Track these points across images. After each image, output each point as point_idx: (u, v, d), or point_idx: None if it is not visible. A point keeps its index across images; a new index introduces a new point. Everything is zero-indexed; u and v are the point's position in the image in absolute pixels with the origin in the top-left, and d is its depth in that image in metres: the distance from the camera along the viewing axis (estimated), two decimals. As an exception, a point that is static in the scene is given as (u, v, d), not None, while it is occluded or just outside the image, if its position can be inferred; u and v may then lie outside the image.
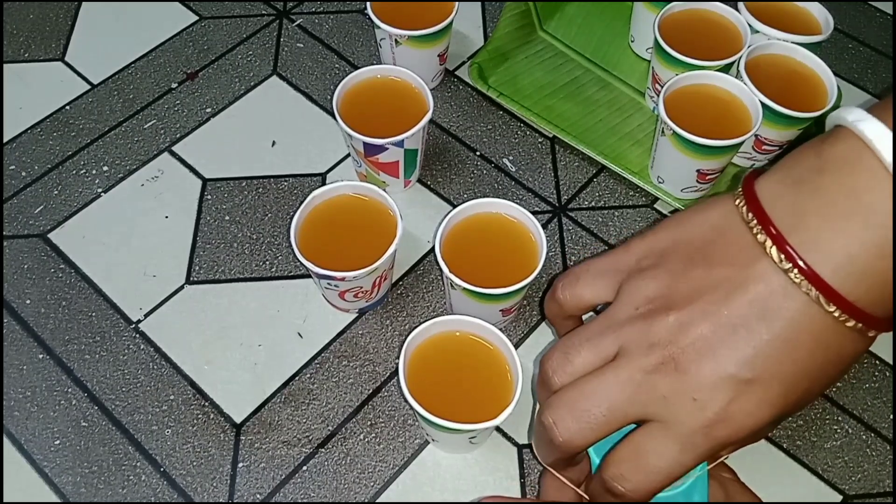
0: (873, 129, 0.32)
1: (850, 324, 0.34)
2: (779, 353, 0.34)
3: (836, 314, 0.33)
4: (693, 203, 0.52)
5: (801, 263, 0.33)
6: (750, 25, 0.56)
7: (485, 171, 0.59)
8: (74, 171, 0.58)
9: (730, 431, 0.35)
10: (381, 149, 0.52)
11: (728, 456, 0.42)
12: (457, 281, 0.46)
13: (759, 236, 0.35)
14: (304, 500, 0.46)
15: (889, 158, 0.32)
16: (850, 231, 0.33)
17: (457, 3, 0.58)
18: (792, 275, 0.33)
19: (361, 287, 0.48)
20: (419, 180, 0.58)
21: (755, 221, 0.35)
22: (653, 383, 0.35)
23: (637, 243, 0.40)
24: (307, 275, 0.53)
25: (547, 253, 0.47)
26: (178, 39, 0.65)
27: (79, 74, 0.63)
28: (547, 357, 0.39)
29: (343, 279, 0.46)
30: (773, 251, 0.34)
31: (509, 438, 0.48)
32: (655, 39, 0.56)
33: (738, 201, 0.36)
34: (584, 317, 0.44)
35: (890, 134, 0.32)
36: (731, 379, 0.34)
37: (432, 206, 0.57)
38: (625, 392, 0.36)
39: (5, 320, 0.51)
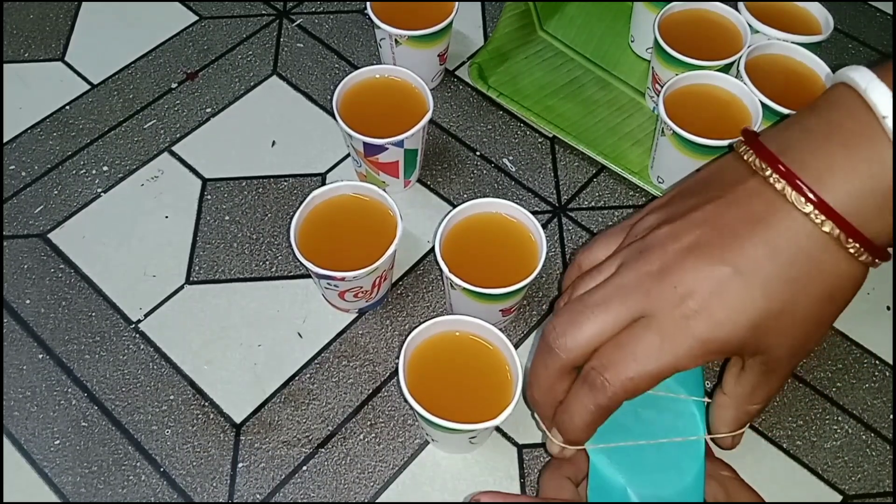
0: (861, 74, 0.36)
1: (827, 228, 0.35)
2: (762, 252, 0.36)
3: (812, 215, 0.35)
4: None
5: (780, 167, 0.36)
6: (750, 25, 0.56)
7: (485, 171, 0.59)
8: (74, 171, 0.58)
9: (708, 326, 0.36)
10: (381, 149, 0.52)
11: (735, 434, 0.42)
12: (457, 281, 0.46)
13: (746, 156, 0.38)
14: (304, 500, 0.46)
15: (864, 85, 0.35)
16: (828, 152, 0.36)
17: (457, 3, 0.58)
18: (772, 180, 0.36)
19: (361, 287, 0.48)
20: (419, 180, 0.58)
21: (745, 147, 0.38)
22: (640, 280, 0.37)
23: (646, 206, 0.43)
24: (307, 275, 0.53)
25: (547, 253, 0.47)
26: (178, 39, 0.65)
27: (79, 74, 0.63)
28: (559, 300, 0.42)
29: (343, 279, 0.46)
30: (757, 162, 0.37)
31: (509, 438, 0.48)
32: (655, 39, 0.56)
33: (734, 144, 0.40)
34: None
35: (873, 75, 0.35)
36: (712, 271, 0.36)
37: (432, 206, 0.57)
38: (615, 292, 0.38)
39: (5, 320, 0.51)
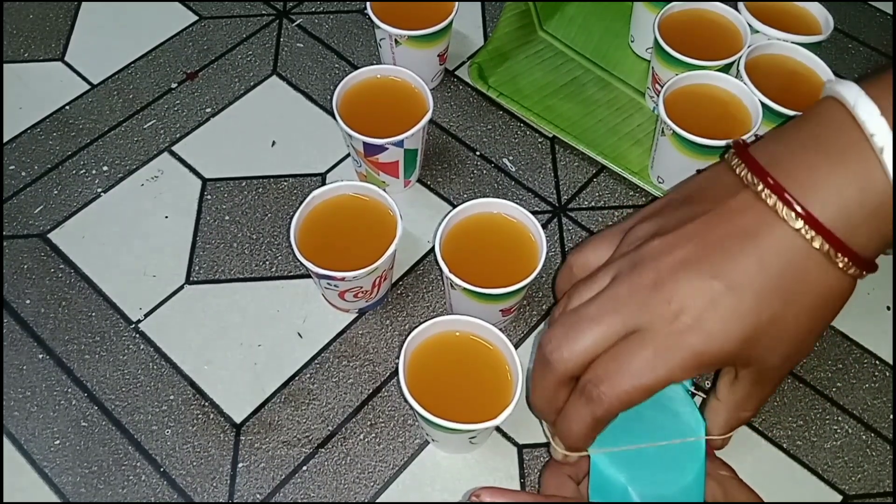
0: (849, 90, 0.36)
1: (817, 244, 0.36)
2: (752, 267, 0.37)
3: (802, 230, 0.36)
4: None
5: (769, 180, 0.37)
6: (750, 25, 0.56)
7: (485, 171, 0.59)
8: (74, 171, 0.58)
9: (701, 339, 0.37)
10: (381, 149, 0.52)
11: (730, 437, 0.42)
12: (457, 281, 0.46)
13: (737, 169, 0.39)
14: (304, 500, 0.46)
15: (852, 101, 0.36)
16: (816, 167, 0.36)
17: (457, 3, 0.58)
18: (764, 195, 0.37)
19: (361, 287, 0.48)
20: (419, 180, 0.58)
21: (737, 160, 0.39)
22: (634, 293, 0.38)
23: (638, 211, 0.44)
24: (307, 275, 0.53)
25: (547, 253, 0.47)
26: (178, 39, 0.65)
27: (79, 74, 0.63)
28: (555, 308, 0.42)
29: (343, 279, 0.46)
30: (749, 177, 0.38)
31: (509, 438, 0.48)
32: (655, 39, 0.56)
33: (726, 155, 0.41)
34: None
35: (861, 91, 0.36)
36: (705, 286, 0.37)
37: (432, 206, 0.57)
38: (609, 305, 0.38)
39: (5, 320, 0.51)
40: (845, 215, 0.36)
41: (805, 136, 0.38)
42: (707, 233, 0.38)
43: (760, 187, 0.37)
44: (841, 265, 0.36)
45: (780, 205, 0.36)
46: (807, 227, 0.36)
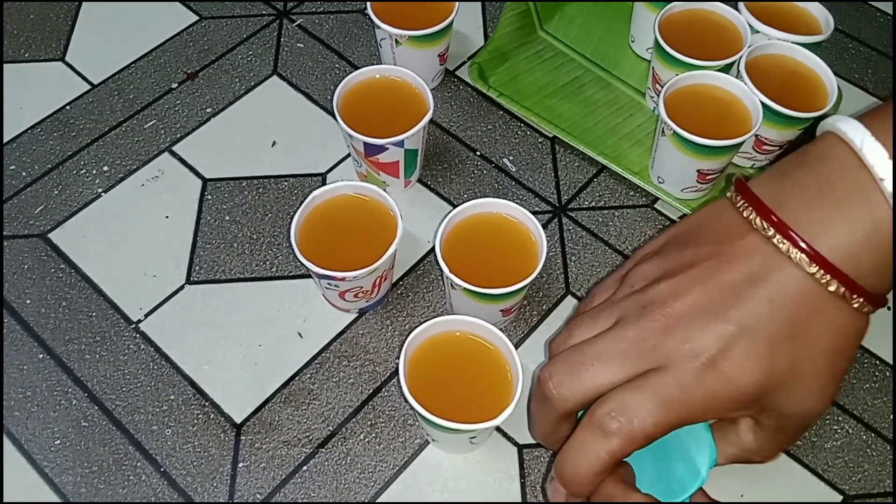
0: (854, 129, 0.36)
1: (832, 288, 0.35)
2: (765, 311, 0.36)
3: (817, 274, 0.35)
4: (694, 203, 0.56)
5: (781, 226, 0.36)
6: (750, 25, 0.56)
7: (485, 171, 0.59)
8: (74, 171, 0.58)
9: (719, 382, 0.36)
10: (382, 149, 0.52)
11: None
12: (457, 281, 0.46)
13: (744, 212, 0.38)
14: (304, 500, 0.46)
15: (859, 143, 0.35)
16: (823, 210, 0.36)
17: (457, 3, 0.58)
18: (776, 241, 0.36)
19: (361, 287, 0.48)
20: (419, 180, 0.58)
21: (742, 201, 0.38)
22: (644, 337, 0.37)
23: (638, 250, 0.43)
24: (307, 275, 0.53)
25: (547, 253, 0.47)
26: (178, 39, 0.65)
27: (79, 74, 0.63)
28: (553, 339, 0.41)
29: (343, 279, 0.46)
30: (758, 221, 0.37)
31: (509, 438, 0.48)
32: (655, 39, 0.56)
33: (728, 193, 0.40)
34: None
35: (866, 131, 0.35)
36: (718, 329, 0.36)
37: (432, 206, 0.57)
38: (617, 347, 0.38)
39: (5, 320, 0.51)
40: (854, 260, 0.35)
41: (809, 176, 0.37)
42: (715, 276, 0.37)
43: (771, 232, 0.36)
44: (856, 305, 0.36)
45: (792, 250, 0.36)
46: (822, 271, 0.35)
